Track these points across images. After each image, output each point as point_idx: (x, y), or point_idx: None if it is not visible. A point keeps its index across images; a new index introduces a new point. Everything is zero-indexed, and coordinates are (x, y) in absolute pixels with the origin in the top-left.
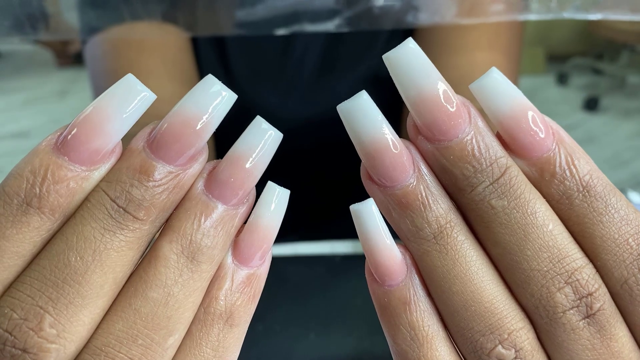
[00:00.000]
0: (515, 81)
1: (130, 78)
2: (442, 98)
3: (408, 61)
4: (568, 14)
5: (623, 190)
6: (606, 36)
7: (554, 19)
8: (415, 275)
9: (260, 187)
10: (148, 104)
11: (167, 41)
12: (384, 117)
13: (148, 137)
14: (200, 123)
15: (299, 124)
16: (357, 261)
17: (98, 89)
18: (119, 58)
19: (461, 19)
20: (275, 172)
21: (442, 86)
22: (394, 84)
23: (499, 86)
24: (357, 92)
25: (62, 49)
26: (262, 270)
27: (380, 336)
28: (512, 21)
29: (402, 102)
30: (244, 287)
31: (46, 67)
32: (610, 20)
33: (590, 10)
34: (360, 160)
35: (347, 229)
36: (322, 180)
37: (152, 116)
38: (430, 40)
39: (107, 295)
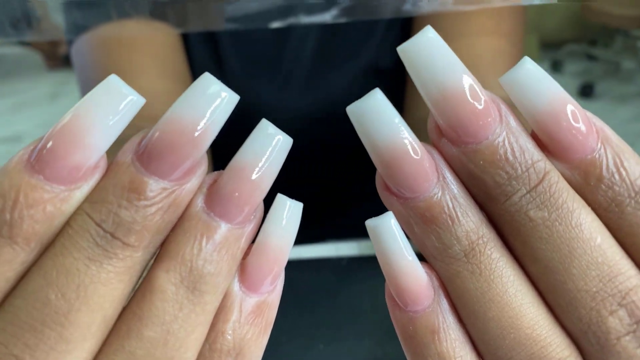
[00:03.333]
0: None
1: (113, 80)
2: (468, 94)
3: (428, 53)
4: None
5: None
6: (600, 22)
7: (556, 3)
8: (444, 299)
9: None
10: (136, 109)
11: (157, 38)
12: (401, 118)
13: (137, 148)
14: (197, 130)
15: (297, 119)
16: (363, 263)
17: (85, 91)
18: (108, 57)
19: (462, 6)
20: None
21: (468, 80)
22: (395, 75)
23: (534, 78)
24: (357, 84)
25: (52, 50)
26: (274, 297)
27: (392, 343)
28: (514, 6)
29: (405, 94)
30: (254, 318)
31: (36, 70)
32: (603, 5)
33: None
34: (366, 156)
35: (351, 229)
36: (323, 178)
37: (143, 118)
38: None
39: (96, 336)
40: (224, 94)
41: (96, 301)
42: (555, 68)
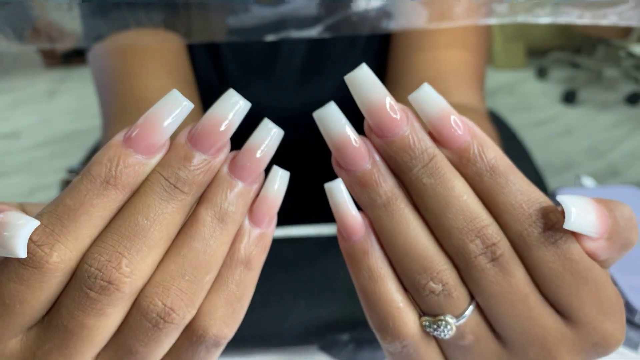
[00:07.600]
0: (482, 75)
1: (175, 93)
2: (387, 107)
3: (362, 80)
4: (521, 18)
5: (579, 177)
6: (583, 31)
7: (509, 23)
8: (372, 233)
9: (267, 170)
10: (188, 111)
11: (165, 46)
12: (347, 120)
13: (188, 134)
14: (224, 125)
15: (287, 118)
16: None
17: (102, 89)
18: (122, 62)
19: (431, 24)
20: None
21: (387, 98)
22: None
23: (429, 97)
24: (342, 88)
25: (50, 49)
26: (270, 230)
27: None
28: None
29: None
30: (257, 241)
31: (34, 68)
32: None
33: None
34: None
35: (331, 214)
36: (309, 170)
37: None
38: (404, 42)
39: (163, 246)
40: (241, 103)
41: (165, 224)
42: (540, 74)
